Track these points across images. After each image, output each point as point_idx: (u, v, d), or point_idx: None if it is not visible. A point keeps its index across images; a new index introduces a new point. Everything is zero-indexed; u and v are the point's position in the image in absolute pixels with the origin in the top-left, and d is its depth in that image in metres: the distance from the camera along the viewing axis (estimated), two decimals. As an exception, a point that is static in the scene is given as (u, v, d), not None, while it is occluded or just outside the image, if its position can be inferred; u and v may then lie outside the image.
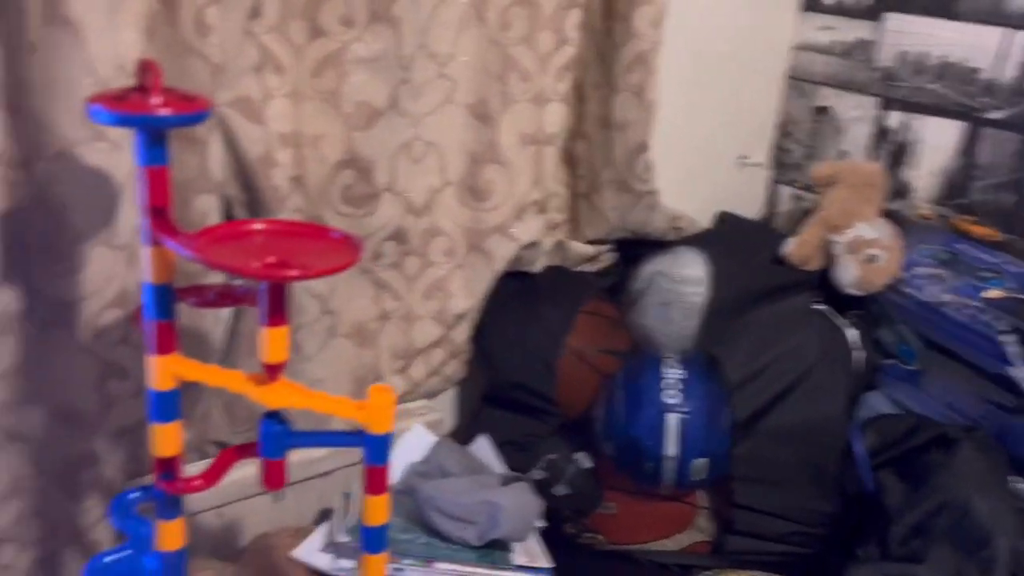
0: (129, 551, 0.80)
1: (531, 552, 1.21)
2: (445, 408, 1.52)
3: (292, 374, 1.21)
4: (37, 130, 0.93)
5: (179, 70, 1.01)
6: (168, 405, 0.86)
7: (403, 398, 1.40)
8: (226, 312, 1.18)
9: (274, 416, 0.86)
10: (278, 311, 0.81)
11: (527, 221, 1.38)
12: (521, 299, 1.43)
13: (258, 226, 0.84)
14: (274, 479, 0.88)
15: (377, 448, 0.86)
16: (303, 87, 1.15)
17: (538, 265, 1.45)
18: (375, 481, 0.88)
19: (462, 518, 1.16)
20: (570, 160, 1.50)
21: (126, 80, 0.95)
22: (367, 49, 1.17)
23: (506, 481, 1.26)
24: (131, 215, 1.00)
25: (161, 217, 0.79)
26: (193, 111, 0.76)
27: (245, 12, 1.05)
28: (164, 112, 0.74)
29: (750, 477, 1.30)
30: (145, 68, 0.75)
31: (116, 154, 0.95)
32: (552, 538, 1.28)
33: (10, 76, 0.92)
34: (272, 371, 0.84)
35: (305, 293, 1.21)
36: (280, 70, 1.12)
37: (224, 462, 0.89)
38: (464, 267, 1.36)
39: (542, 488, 1.31)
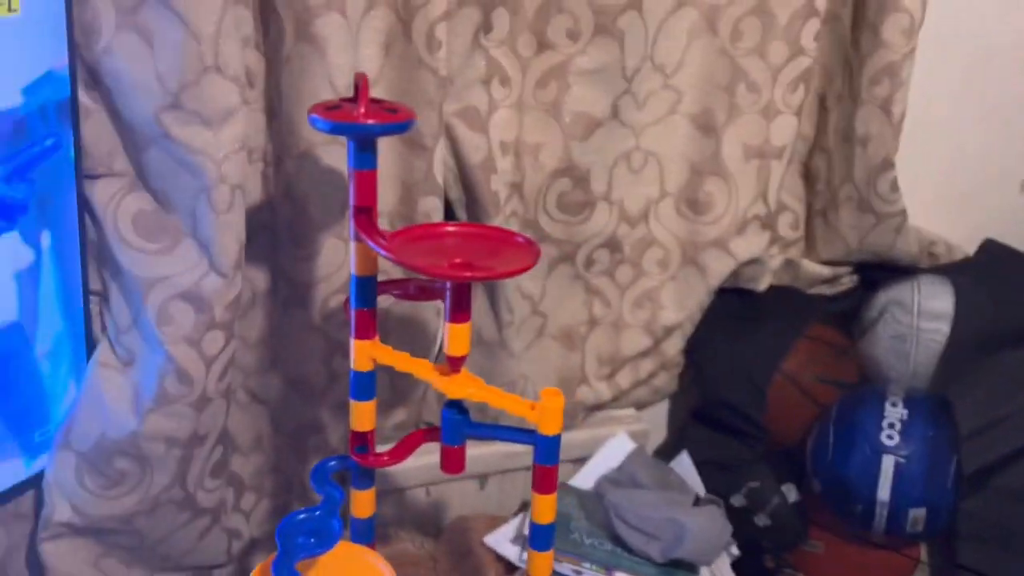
0: (319, 512, 0.90)
1: (719, 578, 1.18)
2: (656, 420, 1.52)
3: (498, 370, 1.28)
4: (287, 132, 1.06)
5: (410, 82, 1.10)
6: (365, 385, 0.95)
7: (609, 405, 1.42)
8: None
9: (455, 405, 0.92)
10: (461, 308, 0.87)
11: (748, 237, 1.33)
12: (740, 317, 1.38)
13: (451, 228, 0.90)
14: (453, 464, 0.94)
15: (546, 448, 0.89)
16: (527, 98, 1.21)
17: (763, 283, 1.40)
18: (543, 481, 0.91)
19: (646, 532, 1.16)
20: (808, 175, 1.43)
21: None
22: (590, 61, 1.20)
23: (699, 502, 1.23)
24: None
25: (365, 216, 0.87)
26: (396, 122, 0.84)
27: (475, 27, 1.12)
28: (369, 122, 0.82)
29: (979, 537, 1.16)
30: (357, 81, 0.84)
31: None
32: (750, 569, 1.24)
33: (270, 85, 1.06)
34: (455, 363, 0.90)
35: (516, 293, 1.27)
36: (506, 82, 1.19)
37: (411, 443, 0.97)
38: (677, 279, 1.35)
39: (741, 516, 1.27)
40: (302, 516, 0.89)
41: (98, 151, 1.01)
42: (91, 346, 1.10)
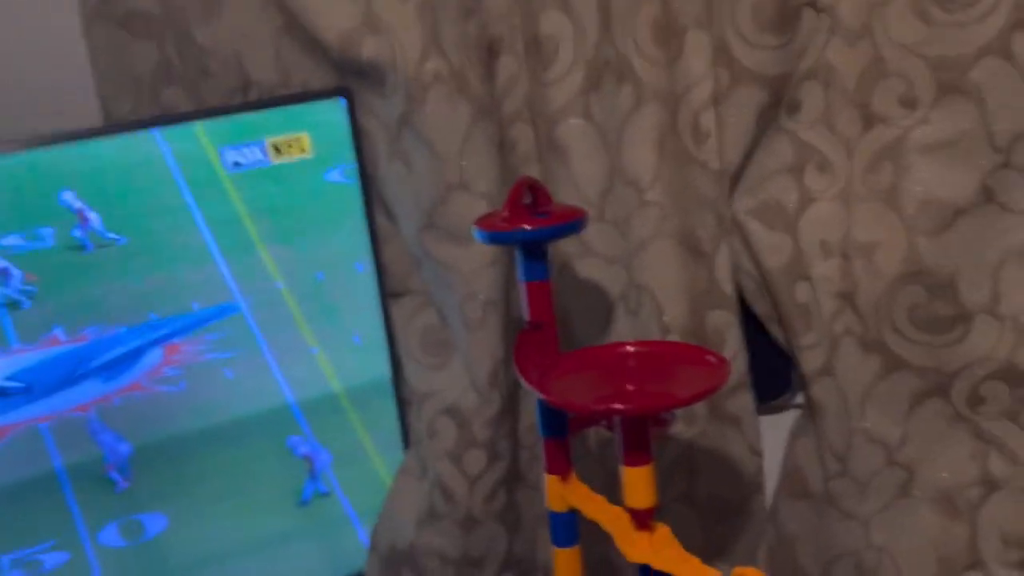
0: None
1: None
2: None
3: (829, 533, 1.00)
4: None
5: (683, 179, 0.96)
6: (564, 528, 0.82)
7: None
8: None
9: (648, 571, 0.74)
10: (637, 448, 0.70)
11: None
12: None
13: (630, 348, 0.74)
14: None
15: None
16: (856, 186, 0.96)
17: None
18: None
19: None
20: None
21: (631, 190, 0.97)
22: (936, 132, 0.90)
23: None
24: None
25: (535, 331, 0.77)
26: (546, 226, 0.74)
27: (760, 108, 0.94)
28: (521, 227, 0.73)
29: None
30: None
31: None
32: None
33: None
34: (639, 518, 0.73)
35: (859, 435, 0.98)
36: (826, 168, 0.96)
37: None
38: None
39: None
40: None
41: (397, 272, 1.08)
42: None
